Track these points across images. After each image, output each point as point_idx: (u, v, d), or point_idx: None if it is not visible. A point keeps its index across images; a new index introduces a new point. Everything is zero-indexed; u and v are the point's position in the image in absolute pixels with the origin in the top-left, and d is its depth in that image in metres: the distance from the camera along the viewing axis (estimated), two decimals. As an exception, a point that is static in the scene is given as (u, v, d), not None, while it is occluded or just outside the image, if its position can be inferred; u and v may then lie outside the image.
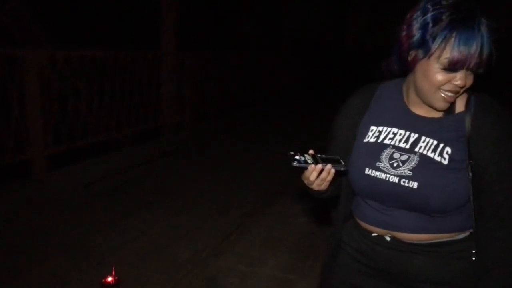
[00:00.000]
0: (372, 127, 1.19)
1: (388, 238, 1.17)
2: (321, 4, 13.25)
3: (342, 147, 1.21)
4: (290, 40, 11.37)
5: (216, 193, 4.25)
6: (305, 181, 1.14)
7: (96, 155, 4.75)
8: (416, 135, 1.13)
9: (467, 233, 1.14)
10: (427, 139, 1.11)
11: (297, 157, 1.08)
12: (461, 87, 1.05)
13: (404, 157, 1.12)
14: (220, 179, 4.65)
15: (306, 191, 1.23)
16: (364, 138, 1.19)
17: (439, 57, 1.02)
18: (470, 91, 1.11)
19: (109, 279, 2.46)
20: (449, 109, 1.11)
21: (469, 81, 1.06)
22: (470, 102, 1.11)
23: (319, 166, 1.08)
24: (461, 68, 1.02)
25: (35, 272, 2.73)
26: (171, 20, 6.21)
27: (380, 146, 1.16)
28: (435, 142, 1.10)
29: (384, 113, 1.20)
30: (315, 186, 1.13)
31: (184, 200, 4.03)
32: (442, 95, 1.07)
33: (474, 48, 0.99)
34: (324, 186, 1.13)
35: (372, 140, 1.17)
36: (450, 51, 1.01)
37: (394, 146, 1.14)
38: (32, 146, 3.96)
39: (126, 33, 7.00)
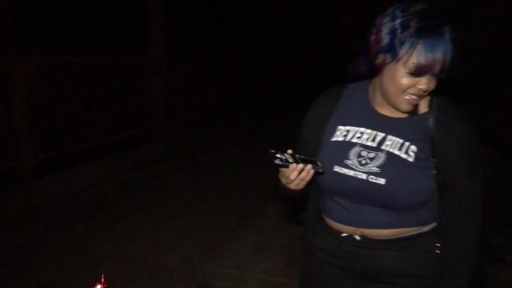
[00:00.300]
0: (339, 127, 1.23)
1: (357, 237, 1.20)
2: (313, 9, 13.36)
3: (310, 147, 1.24)
4: (283, 45, 11.43)
5: (206, 199, 4.24)
6: (284, 180, 1.15)
7: (84, 161, 4.70)
8: (383, 134, 1.18)
9: (431, 226, 1.18)
10: (393, 138, 1.16)
11: (278, 155, 1.09)
12: (425, 91, 1.10)
13: (372, 154, 1.16)
14: (210, 185, 4.64)
15: (277, 189, 1.24)
16: (332, 137, 1.22)
17: (406, 62, 1.07)
18: (432, 94, 1.16)
19: (98, 287, 2.45)
20: (413, 110, 1.17)
21: (432, 85, 1.10)
22: (432, 104, 1.17)
23: (300, 165, 1.10)
24: (426, 73, 1.07)
25: (22, 282, 2.69)
26: (159, 25, 6.21)
27: (348, 145, 1.19)
28: (401, 141, 1.15)
29: (351, 113, 1.24)
30: (293, 186, 1.13)
31: (174, 206, 4.01)
32: (407, 98, 1.11)
33: (439, 55, 1.04)
34: (301, 185, 1.13)
35: (340, 139, 1.21)
36: (417, 57, 1.05)
37: (361, 145, 1.18)
38: (20, 153, 3.92)
39: (115, 39, 6.96)
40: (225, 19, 10.35)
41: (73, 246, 3.17)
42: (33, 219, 3.61)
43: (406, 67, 1.07)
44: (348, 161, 1.17)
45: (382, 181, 1.12)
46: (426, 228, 1.18)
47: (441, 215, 1.14)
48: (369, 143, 1.17)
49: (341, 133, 1.21)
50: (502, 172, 5.35)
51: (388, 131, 1.17)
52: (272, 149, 1.11)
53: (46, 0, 6.58)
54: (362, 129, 1.20)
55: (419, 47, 1.04)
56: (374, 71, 1.17)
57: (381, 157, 1.14)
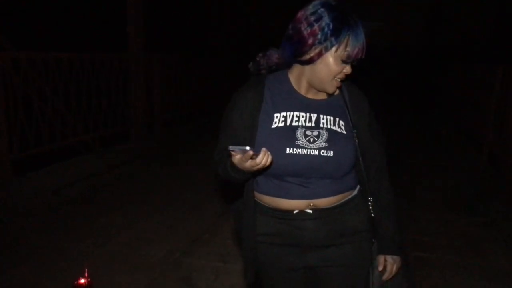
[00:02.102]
0: (275, 114, 1.34)
1: (309, 211, 1.36)
2: (287, 12, 13.44)
3: (245, 136, 1.34)
4: (258, 46, 11.46)
5: (187, 195, 4.25)
6: (239, 163, 1.20)
7: (64, 159, 4.65)
8: (315, 115, 1.35)
9: (358, 189, 1.44)
10: (325, 116, 1.35)
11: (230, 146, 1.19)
12: (347, 75, 1.31)
13: (315, 132, 1.32)
14: (190, 182, 4.65)
15: (221, 173, 1.37)
16: (272, 124, 1.33)
17: (339, 51, 1.24)
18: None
19: (82, 280, 2.42)
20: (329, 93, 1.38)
21: (349, 68, 1.30)
22: (342, 87, 1.40)
23: (251, 152, 1.16)
24: (353, 60, 1.27)
25: (3, 279, 2.66)
26: (138, 22, 6.17)
27: (291, 128, 1.32)
28: (332, 118, 1.35)
29: (281, 101, 1.37)
30: (247, 166, 1.19)
31: (155, 203, 4.01)
32: (335, 82, 1.31)
33: (361, 44, 1.25)
34: (256, 168, 1.20)
35: (281, 124, 1.33)
36: (349, 46, 1.23)
37: (303, 126, 1.33)
38: (-4, 151, 3.86)
39: (94, 36, 6.89)
40: (202, 18, 10.35)
41: (54, 243, 3.14)
42: (12, 217, 3.55)
43: (340, 56, 1.25)
44: (298, 141, 1.30)
45: (331, 153, 1.30)
46: (355, 191, 1.43)
47: (367, 175, 1.40)
48: (308, 124, 1.33)
49: (279, 120, 1.34)
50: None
51: (319, 111, 1.35)
52: (231, 146, 1.20)
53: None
54: (297, 113, 1.34)
55: (350, 38, 1.22)
56: (299, 62, 1.31)
57: (324, 134, 1.32)
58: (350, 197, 1.41)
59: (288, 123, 1.33)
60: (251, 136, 1.33)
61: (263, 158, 1.17)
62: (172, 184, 4.57)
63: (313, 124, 1.33)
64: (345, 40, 1.23)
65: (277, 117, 1.34)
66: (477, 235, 3.46)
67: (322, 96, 1.38)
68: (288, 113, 1.34)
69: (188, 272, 2.81)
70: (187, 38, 9.85)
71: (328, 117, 1.35)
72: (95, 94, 5.30)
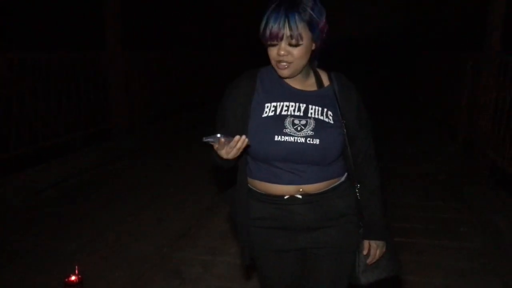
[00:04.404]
0: (266, 104, 1.44)
1: (299, 196, 1.45)
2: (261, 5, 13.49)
3: (238, 124, 1.42)
4: (233, 40, 11.49)
5: (172, 192, 4.29)
6: (217, 150, 1.31)
7: (46, 160, 4.63)
8: (304, 105, 1.43)
9: (345, 176, 1.52)
10: (314, 107, 1.43)
11: (210, 139, 1.27)
12: (284, 55, 1.35)
13: (303, 122, 1.40)
14: (175, 179, 4.69)
15: (212, 160, 1.44)
16: (262, 114, 1.42)
17: (264, 37, 1.35)
18: (330, 71, 1.52)
19: (73, 278, 2.47)
20: (320, 84, 1.48)
21: (296, 52, 1.35)
22: (331, 78, 1.49)
23: (223, 139, 1.26)
24: (276, 40, 1.33)
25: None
26: (115, 20, 6.14)
27: (280, 117, 1.41)
28: (320, 108, 1.43)
29: (272, 92, 1.46)
30: (224, 154, 1.29)
31: (140, 201, 4.03)
32: (279, 66, 1.38)
33: (280, 23, 1.31)
34: (232, 154, 1.29)
35: (271, 114, 1.42)
36: (268, 29, 1.33)
37: (292, 115, 1.41)
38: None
39: (71, 35, 6.82)
40: (181, 13, 10.31)
41: (40, 243, 3.15)
42: (-4, 219, 3.55)
43: (266, 41, 1.35)
44: (286, 129, 1.39)
45: (317, 141, 1.38)
46: (343, 178, 1.52)
47: (354, 163, 1.48)
48: (297, 113, 1.41)
49: (269, 109, 1.42)
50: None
51: (307, 101, 1.44)
52: (205, 137, 1.28)
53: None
54: (286, 103, 1.43)
55: (269, 21, 1.32)
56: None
57: (312, 123, 1.40)
58: (338, 183, 1.49)
59: (277, 112, 1.41)
60: (243, 125, 1.41)
61: (236, 143, 1.26)
62: (156, 182, 4.60)
63: (302, 114, 1.41)
64: (265, 26, 1.33)
65: (267, 106, 1.43)
66: (453, 219, 3.61)
67: (312, 87, 1.47)
68: (278, 103, 1.43)
69: (178, 265, 2.87)
70: (167, 33, 9.81)
71: (317, 107, 1.43)
72: (75, 93, 5.27)
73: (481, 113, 5.02)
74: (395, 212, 3.67)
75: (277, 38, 1.32)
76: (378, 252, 1.53)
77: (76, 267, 2.46)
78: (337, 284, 1.56)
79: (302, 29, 1.32)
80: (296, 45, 1.34)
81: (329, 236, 1.49)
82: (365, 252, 1.53)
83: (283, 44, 1.34)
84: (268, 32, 1.33)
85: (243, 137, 1.27)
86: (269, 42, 1.35)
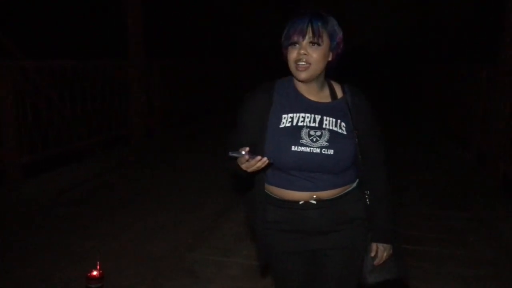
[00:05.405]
0: (283, 115, 1.51)
1: (314, 202, 1.53)
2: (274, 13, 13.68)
3: (254, 136, 1.50)
4: (247, 48, 11.65)
5: (188, 194, 4.41)
6: (239, 163, 1.38)
7: (69, 163, 4.82)
8: (319, 116, 1.51)
9: (356, 182, 1.60)
10: (328, 118, 1.51)
11: (235, 154, 1.35)
12: (305, 54, 1.43)
13: (318, 133, 1.48)
14: (191, 182, 4.82)
15: (230, 168, 1.50)
16: (280, 125, 1.50)
17: (285, 40, 1.46)
18: (343, 83, 1.59)
19: (94, 272, 2.62)
20: (334, 95, 1.56)
21: (316, 54, 1.44)
22: (345, 90, 1.57)
23: (247, 156, 1.33)
24: (299, 37, 1.42)
25: (14, 276, 2.79)
26: (137, 28, 6.35)
27: (297, 128, 1.48)
28: (334, 119, 1.51)
29: (288, 103, 1.53)
30: (244, 167, 1.37)
31: (157, 202, 4.16)
32: (298, 67, 1.45)
33: (301, 27, 1.41)
34: (252, 170, 1.37)
35: (288, 125, 1.49)
36: (289, 31, 1.44)
37: (308, 126, 1.49)
38: (6, 155, 4.03)
39: (95, 44, 7.08)
40: (198, 20, 10.51)
41: (62, 240, 3.29)
42: (20, 218, 3.71)
43: (288, 40, 1.45)
44: (302, 140, 1.46)
45: (331, 152, 1.46)
46: (354, 184, 1.59)
47: (364, 170, 1.56)
48: (312, 124, 1.49)
49: (286, 120, 1.50)
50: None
51: (322, 113, 1.51)
52: (231, 151, 1.35)
53: (24, 5, 6.64)
54: (303, 114, 1.51)
55: (290, 26, 1.44)
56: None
57: (326, 134, 1.48)
58: (349, 189, 1.57)
59: (294, 124, 1.49)
60: (261, 135, 1.49)
61: (256, 163, 1.33)
62: (173, 184, 4.72)
63: (317, 125, 1.48)
64: (288, 27, 1.45)
65: (284, 118, 1.50)
66: (463, 228, 3.65)
67: (326, 99, 1.55)
68: (294, 115, 1.50)
69: (192, 265, 2.99)
70: (185, 41, 10.02)
71: (331, 118, 1.50)
72: (100, 99, 5.48)
73: (494, 125, 5.05)
74: (406, 220, 3.72)
75: (301, 34, 1.41)
76: (385, 254, 1.61)
77: (98, 262, 2.60)
78: (346, 284, 1.64)
79: (323, 33, 1.43)
80: (317, 45, 1.43)
81: (340, 238, 1.57)
82: (372, 254, 1.62)
83: (305, 42, 1.42)
84: (292, 30, 1.42)
85: (264, 158, 1.33)
86: (291, 40, 1.43)
